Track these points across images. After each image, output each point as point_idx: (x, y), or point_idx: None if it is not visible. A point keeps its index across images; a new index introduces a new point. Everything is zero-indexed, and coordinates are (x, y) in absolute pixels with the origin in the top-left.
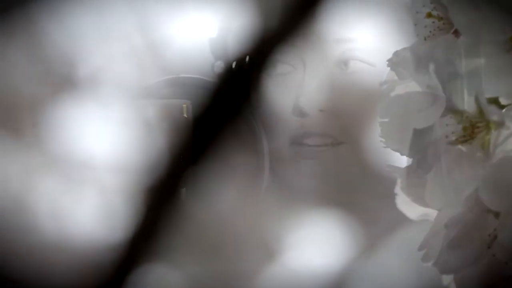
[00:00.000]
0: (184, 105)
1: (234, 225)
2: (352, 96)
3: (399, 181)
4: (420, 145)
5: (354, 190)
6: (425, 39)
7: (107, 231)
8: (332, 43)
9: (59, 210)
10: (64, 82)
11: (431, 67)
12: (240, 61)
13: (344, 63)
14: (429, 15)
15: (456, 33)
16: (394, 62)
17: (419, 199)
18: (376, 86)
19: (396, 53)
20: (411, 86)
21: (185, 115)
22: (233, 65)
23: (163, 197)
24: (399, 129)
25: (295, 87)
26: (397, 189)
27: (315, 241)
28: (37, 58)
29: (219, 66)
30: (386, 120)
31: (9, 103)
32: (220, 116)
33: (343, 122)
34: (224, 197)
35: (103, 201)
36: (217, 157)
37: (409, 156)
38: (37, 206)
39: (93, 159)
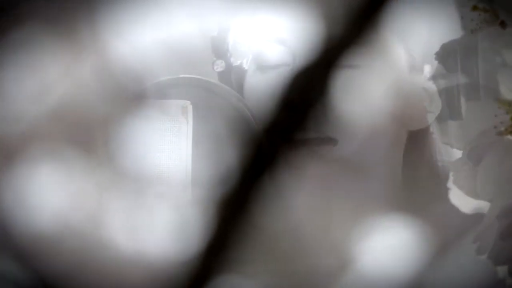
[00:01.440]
0: (185, 106)
1: (306, 233)
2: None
3: (451, 174)
4: (469, 137)
5: (422, 194)
6: (471, 32)
7: (181, 245)
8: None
9: (133, 226)
10: (133, 97)
11: (479, 58)
12: (306, 68)
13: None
14: (474, 8)
15: (503, 24)
16: (442, 55)
17: (471, 192)
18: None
19: (443, 46)
20: (459, 78)
21: (186, 116)
22: (297, 73)
23: (235, 209)
24: (449, 123)
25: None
26: (450, 183)
27: (387, 246)
28: (105, 75)
29: (220, 64)
30: (436, 113)
31: (80, 121)
32: (288, 125)
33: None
34: (295, 206)
35: (176, 215)
36: (287, 166)
37: (459, 148)
38: (111, 222)
39: (165, 174)
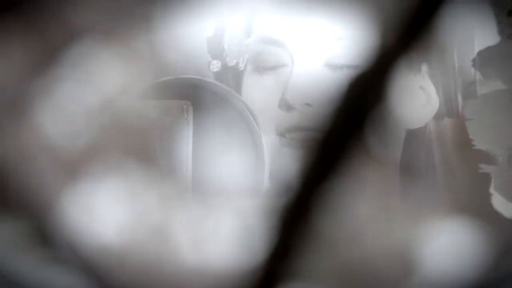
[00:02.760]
0: (185, 106)
1: (367, 239)
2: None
3: (492, 180)
4: (508, 142)
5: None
6: (508, 37)
7: (245, 254)
8: (324, 41)
9: (197, 237)
10: (189, 108)
11: None
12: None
13: (333, 60)
14: (510, 13)
15: None
16: (479, 62)
17: None
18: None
19: (480, 53)
20: (497, 85)
21: (185, 116)
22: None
23: (297, 217)
24: (488, 128)
25: (283, 81)
26: (492, 189)
27: (450, 250)
28: (163, 86)
29: (216, 65)
30: (474, 119)
31: (140, 133)
32: (346, 131)
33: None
34: (355, 212)
35: (240, 224)
36: (346, 172)
37: (500, 154)
38: (175, 234)
39: (227, 184)
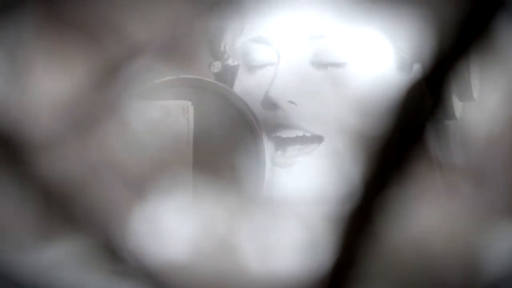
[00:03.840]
0: (186, 107)
1: (431, 244)
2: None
3: None
4: None
5: None
6: None
7: (311, 263)
8: (307, 39)
9: (264, 248)
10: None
11: None
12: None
13: (318, 59)
14: None
15: None
16: None
17: None
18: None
19: None
20: None
21: (187, 117)
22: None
23: (360, 223)
24: None
25: (268, 79)
26: None
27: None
28: (227, 103)
29: (216, 66)
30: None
31: (204, 147)
32: (407, 136)
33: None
34: (419, 217)
35: (306, 234)
36: (408, 177)
37: None
38: (242, 245)
39: (292, 194)
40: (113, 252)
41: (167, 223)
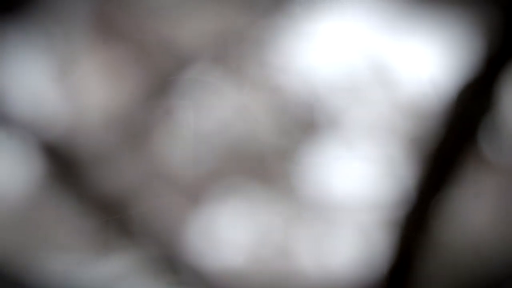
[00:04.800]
0: (184, 106)
1: (486, 246)
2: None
3: None
4: None
5: None
6: None
7: (368, 268)
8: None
9: (321, 254)
10: (306, 128)
11: None
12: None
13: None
14: None
15: None
16: None
17: None
18: None
19: None
20: None
21: (188, 117)
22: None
23: (416, 228)
24: None
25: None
26: None
27: None
28: (279, 108)
29: None
30: None
31: (257, 155)
32: (460, 139)
33: None
34: (473, 220)
35: (361, 239)
36: (462, 180)
37: None
38: (298, 252)
39: (345, 199)
40: (170, 263)
41: (223, 231)
